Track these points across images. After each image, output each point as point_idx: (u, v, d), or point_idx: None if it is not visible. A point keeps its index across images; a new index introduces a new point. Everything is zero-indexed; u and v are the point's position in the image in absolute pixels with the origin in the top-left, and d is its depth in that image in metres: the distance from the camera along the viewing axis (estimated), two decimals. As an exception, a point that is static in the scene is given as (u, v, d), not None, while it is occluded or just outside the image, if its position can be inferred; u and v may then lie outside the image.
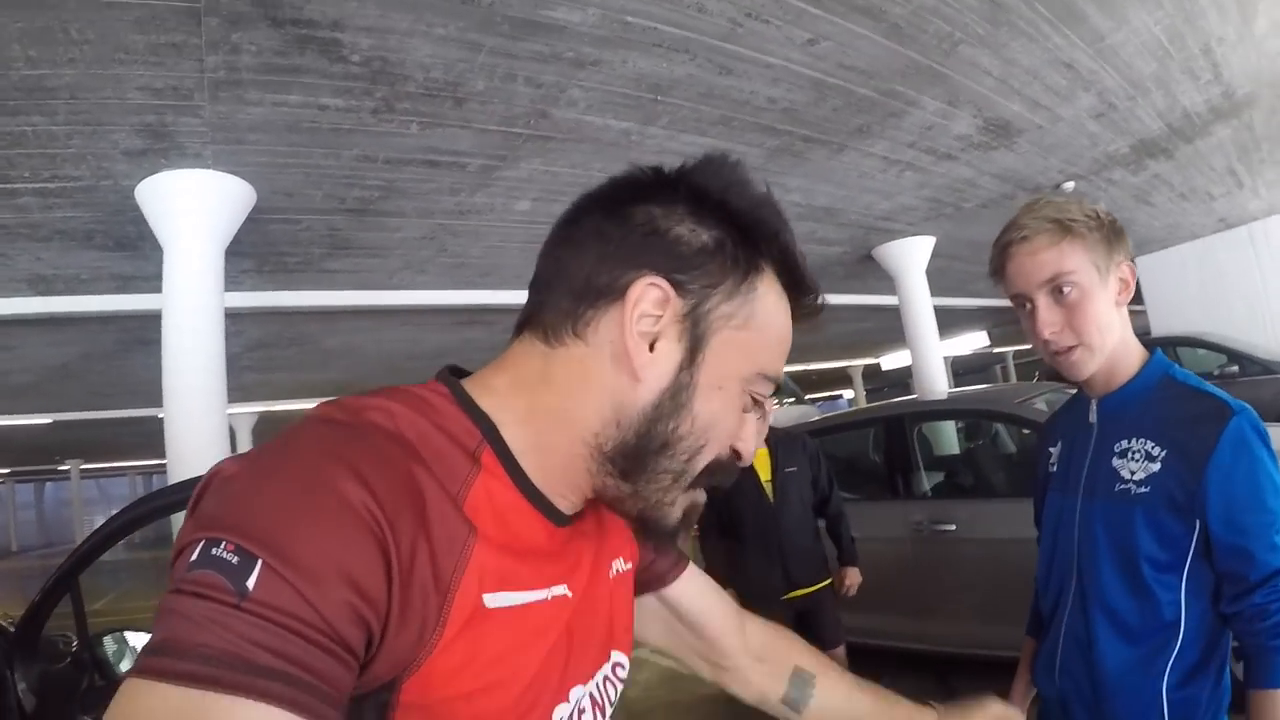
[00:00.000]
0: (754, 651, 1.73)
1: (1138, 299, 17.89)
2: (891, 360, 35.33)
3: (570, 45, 4.83)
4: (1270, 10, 6.56)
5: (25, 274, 7.78)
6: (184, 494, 2.99)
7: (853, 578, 5.42)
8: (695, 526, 3.93)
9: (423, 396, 0.98)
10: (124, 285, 8.21)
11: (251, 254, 7.31)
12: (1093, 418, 2.09)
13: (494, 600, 0.90)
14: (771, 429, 5.23)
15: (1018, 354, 47.70)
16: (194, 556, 0.75)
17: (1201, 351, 14.52)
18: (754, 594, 5.21)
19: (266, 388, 16.26)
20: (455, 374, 1.08)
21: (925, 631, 6.60)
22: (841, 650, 5.35)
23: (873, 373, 40.34)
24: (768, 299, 1.04)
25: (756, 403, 1.07)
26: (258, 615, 0.71)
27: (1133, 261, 2.02)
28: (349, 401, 0.94)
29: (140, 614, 13.96)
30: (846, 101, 6.55)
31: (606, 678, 1.16)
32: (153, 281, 6.64)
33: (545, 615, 0.98)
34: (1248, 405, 1.89)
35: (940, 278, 14.53)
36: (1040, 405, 6.72)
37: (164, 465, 5.81)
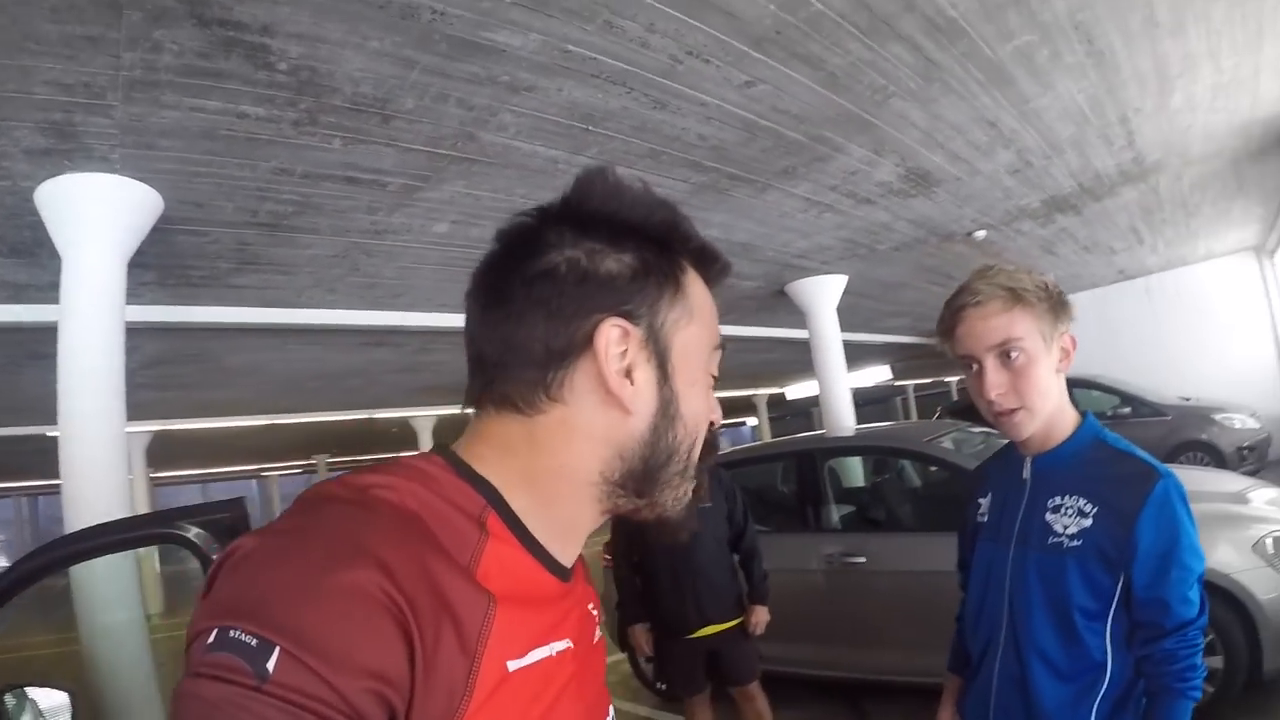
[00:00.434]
0: None
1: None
2: (796, 390, 35.82)
3: (507, 69, 4.75)
4: (1186, 87, 6.84)
5: (-93, 279, 7.41)
6: (90, 541, 2.89)
7: (761, 616, 5.31)
8: (607, 556, 3.96)
9: (422, 469, 0.99)
10: (16, 294, 7.80)
11: (155, 265, 7.05)
12: (1026, 474, 2.25)
13: (516, 664, 0.91)
14: None
15: (918, 388, 48.70)
16: (211, 640, 0.75)
17: (1096, 393, 15.06)
18: (666, 629, 5.18)
19: (163, 406, 15.78)
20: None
21: (838, 659, 6.70)
22: (755, 685, 5.29)
23: (777, 401, 40.75)
24: (695, 286, 1.11)
25: (715, 376, 1.14)
26: (279, 698, 0.72)
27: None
28: (352, 480, 0.94)
29: (31, 650, 13.55)
30: (776, 143, 6.59)
31: None
32: (48, 292, 6.41)
33: (557, 669, 0.99)
34: (1172, 470, 2.07)
35: (849, 314, 14.77)
36: (947, 444, 6.92)
37: (56, 485, 5.57)
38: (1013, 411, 2.12)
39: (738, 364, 24.33)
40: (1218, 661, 5.26)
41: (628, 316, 1.00)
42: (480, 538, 0.94)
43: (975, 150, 7.62)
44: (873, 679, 6.58)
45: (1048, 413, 2.15)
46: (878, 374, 32.26)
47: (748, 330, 16.05)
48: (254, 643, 0.73)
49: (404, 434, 27.39)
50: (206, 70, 4.29)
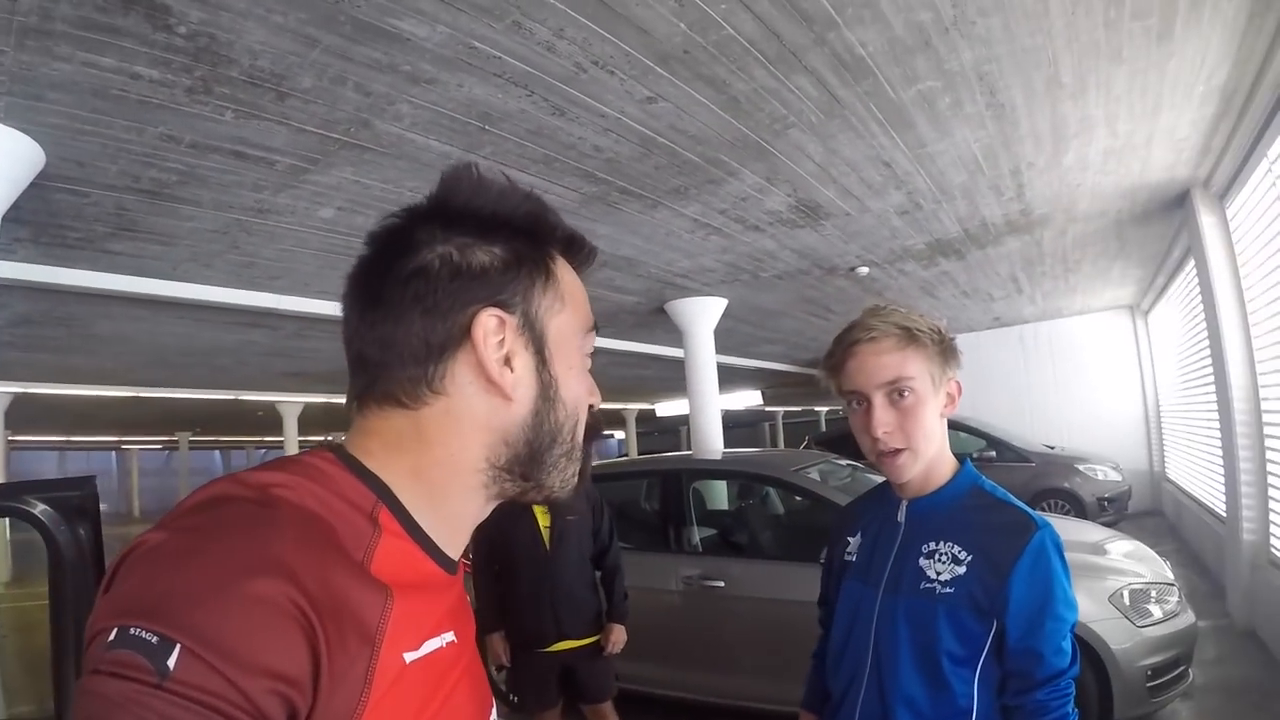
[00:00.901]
0: None
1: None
2: (667, 408, 36.06)
3: (410, 59, 4.68)
4: (1080, 148, 7.03)
5: None
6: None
7: (618, 636, 5.31)
8: (466, 561, 3.89)
9: (316, 466, 0.99)
10: None
11: (30, 222, 6.78)
12: (901, 517, 2.24)
13: (412, 655, 0.93)
14: None
15: (788, 415, 49.32)
16: (111, 638, 0.75)
17: (964, 435, 15.25)
18: (522, 641, 5.14)
19: (26, 368, 15.27)
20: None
21: (691, 681, 6.75)
22: (609, 704, 5.30)
23: (646, 417, 41.02)
24: (565, 273, 1.15)
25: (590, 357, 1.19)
26: (180, 695, 0.72)
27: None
28: (248, 478, 0.94)
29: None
30: (671, 162, 6.61)
31: None
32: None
33: (448, 661, 1.02)
34: (1049, 522, 2.09)
35: (726, 337, 14.95)
36: (814, 475, 7.00)
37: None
38: (897, 452, 2.12)
39: (611, 378, 24.39)
40: (1069, 709, 5.40)
41: (503, 306, 1.04)
42: (373, 533, 0.96)
43: (867, 188, 7.73)
44: (726, 703, 6.60)
45: (929, 456, 2.16)
46: (749, 398, 32.67)
47: (624, 344, 16.14)
48: (155, 640, 0.73)
49: (270, 418, 27.05)
50: (104, 25, 4.11)
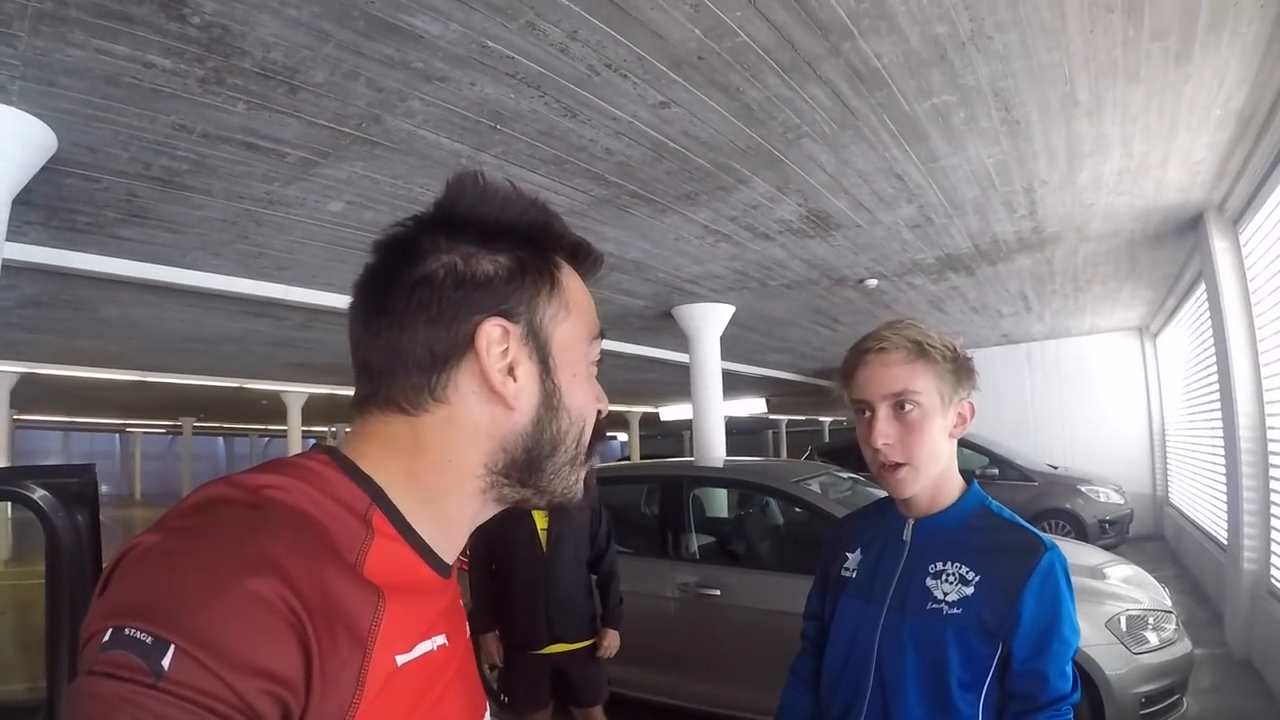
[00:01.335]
0: None
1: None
2: (670, 412, 36.08)
3: (423, 56, 4.68)
4: (1095, 167, 6.99)
5: None
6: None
7: (612, 641, 5.33)
8: (464, 558, 3.86)
9: (310, 468, 1.00)
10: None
11: (41, 206, 6.81)
12: (906, 536, 2.21)
13: (404, 658, 0.94)
14: None
15: (791, 424, 49.29)
16: (106, 639, 0.76)
17: (967, 451, 15.16)
18: (516, 642, 5.15)
19: (32, 348, 15.31)
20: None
21: (683, 689, 6.76)
22: (599, 710, 5.30)
23: (650, 420, 41.03)
24: (571, 281, 1.15)
25: (597, 364, 1.20)
26: (174, 695, 0.72)
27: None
28: (243, 480, 0.94)
29: None
30: (682, 167, 6.59)
31: None
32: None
33: (439, 663, 1.02)
34: (1056, 544, 2.08)
35: (733, 344, 14.94)
36: (814, 486, 6.98)
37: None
38: (897, 467, 2.11)
39: (616, 380, 24.41)
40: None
41: (507, 315, 1.05)
42: (367, 535, 0.97)
43: (879, 200, 7.72)
44: (717, 712, 6.59)
45: (934, 475, 2.15)
46: (753, 405, 32.64)
47: (630, 347, 16.19)
48: (149, 640, 0.74)
49: (274, 406, 27.10)
50: (118, 14, 4.12)
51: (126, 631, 0.75)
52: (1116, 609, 5.66)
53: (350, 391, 1.14)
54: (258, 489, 0.92)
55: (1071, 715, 2.00)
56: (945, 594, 2.07)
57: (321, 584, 0.85)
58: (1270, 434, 7.84)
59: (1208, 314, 9.27)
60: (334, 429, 45.26)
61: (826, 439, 42.75)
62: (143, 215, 7.28)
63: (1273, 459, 7.76)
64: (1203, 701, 6.79)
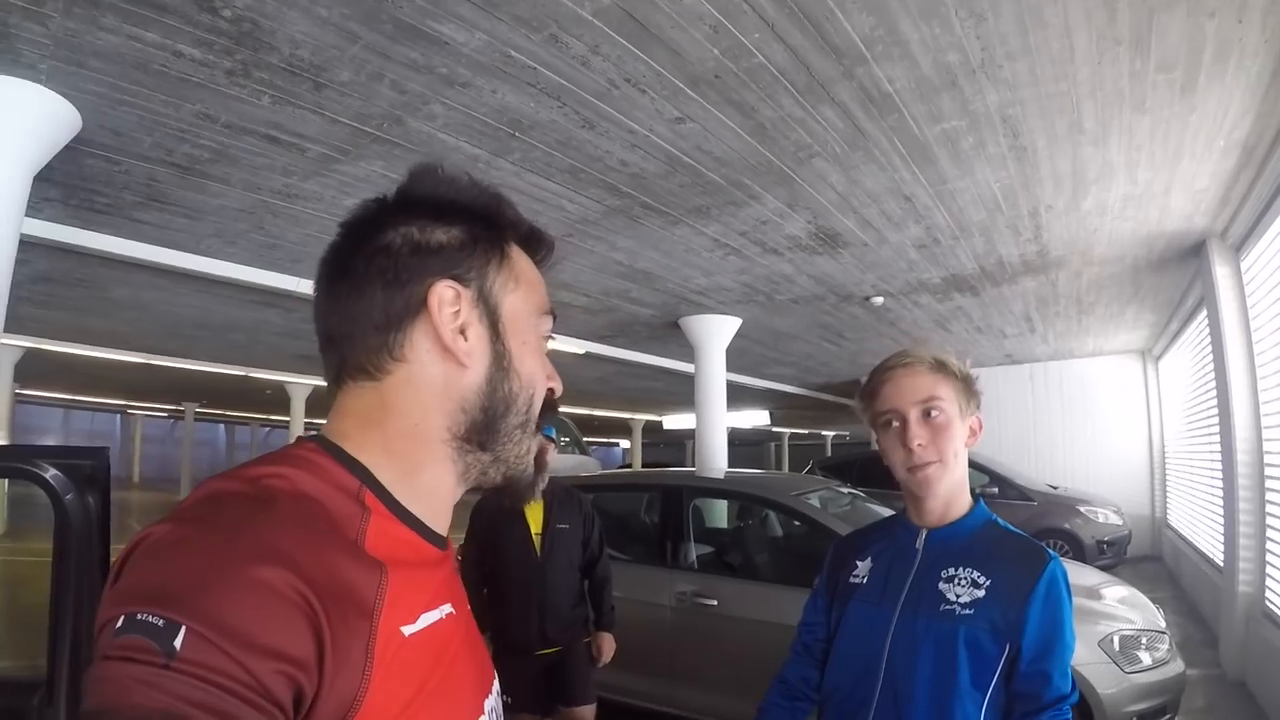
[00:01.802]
0: None
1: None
2: (674, 421, 35.87)
3: (446, 62, 4.76)
4: (1100, 193, 7.06)
5: None
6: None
7: (608, 645, 5.37)
8: (458, 559, 3.86)
9: (302, 456, 1.04)
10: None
11: (61, 184, 6.87)
12: (919, 544, 2.33)
13: (410, 629, 0.98)
14: (551, 481, 5.15)
15: (794, 437, 48.97)
16: (119, 624, 0.78)
17: (968, 469, 14.93)
18: (507, 645, 5.13)
19: (41, 324, 15.25)
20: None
21: (677, 697, 6.74)
22: (591, 709, 5.32)
23: (653, 428, 40.77)
24: (521, 260, 1.23)
25: (547, 339, 1.26)
26: (186, 674, 0.75)
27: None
28: (244, 472, 0.99)
29: None
30: (694, 181, 6.68)
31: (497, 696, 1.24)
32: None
33: (446, 632, 1.07)
34: (1057, 555, 2.24)
35: (738, 356, 14.94)
36: (814, 501, 6.95)
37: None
38: (928, 465, 2.24)
39: (620, 387, 24.36)
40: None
41: (458, 279, 1.12)
42: (363, 514, 1.01)
43: (887, 220, 7.81)
44: (708, 721, 6.60)
45: (953, 481, 2.30)
46: (757, 417, 32.48)
47: (635, 355, 16.20)
48: (161, 623, 0.76)
49: (278, 396, 26.94)
50: (151, 2, 4.19)
51: (139, 616, 0.77)
52: (1110, 629, 5.71)
53: None
54: (258, 479, 0.96)
55: (1071, 714, 2.11)
56: (958, 596, 2.18)
57: (327, 565, 0.89)
58: (1267, 458, 7.89)
59: (1209, 339, 9.31)
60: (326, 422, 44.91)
61: (828, 453, 42.64)
62: (161, 200, 7.35)
63: (1269, 483, 7.81)
64: (1195, 722, 6.82)
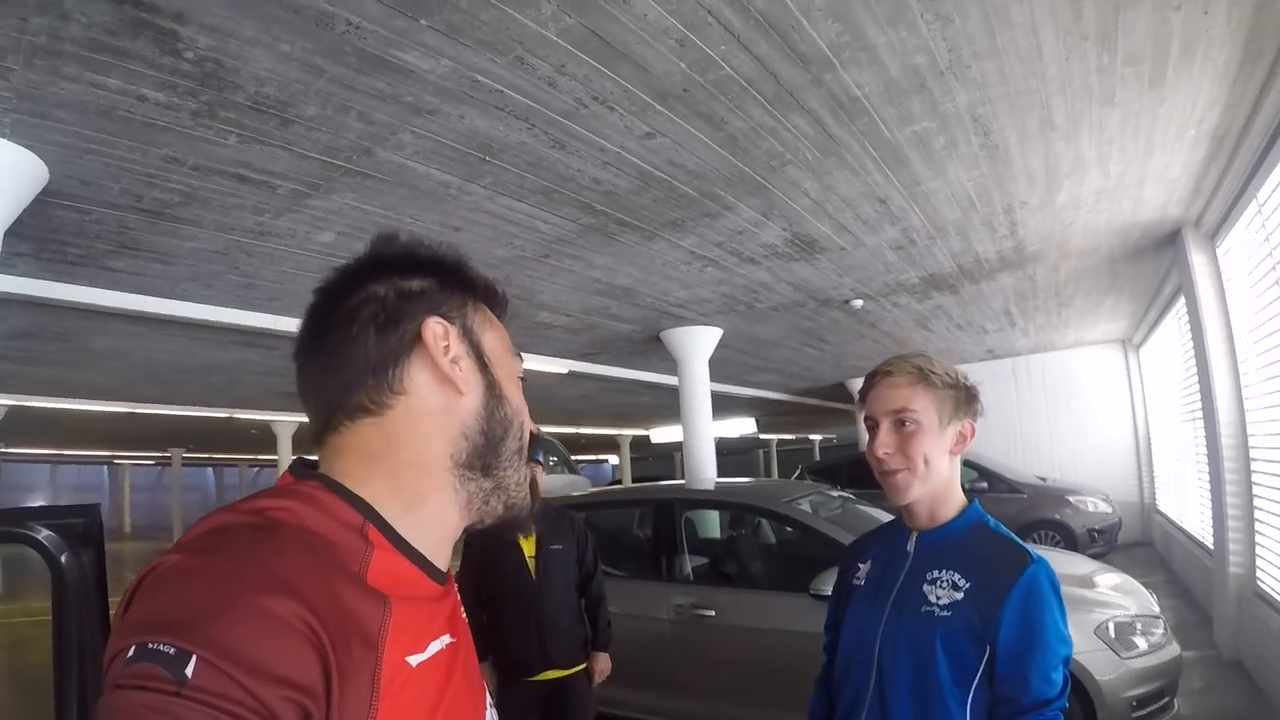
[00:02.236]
0: None
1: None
2: (661, 434, 35.99)
3: (413, 90, 4.74)
4: (1073, 187, 7.10)
5: None
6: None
7: (604, 664, 5.38)
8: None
9: (304, 492, 1.06)
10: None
11: (31, 238, 6.82)
12: (910, 547, 2.42)
13: (417, 658, 1.00)
14: (542, 503, 5.16)
15: (782, 443, 49.11)
16: (130, 654, 0.79)
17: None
18: (508, 669, 5.13)
19: (22, 381, 15.21)
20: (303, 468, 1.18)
21: (679, 710, 6.76)
22: None
23: (641, 442, 40.88)
24: (486, 310, 1.29)
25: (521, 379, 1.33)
26: (198, 701, 0.76)
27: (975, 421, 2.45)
28: (248, 505, 1.01)
29: None
30: (668, 195, 6.67)
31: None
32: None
33: (449, 662, 1.09)
34: (1046, 559, 2.24)
35: (721, 366, 15.00)
36: (805, 506, 6.99)
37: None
38: (896, 472, 2.33)
39: (605, 404, 24.42)
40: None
41: (445, 317, 1.18)
42: (366, 548, 1.02)
43: (862, 224, 7.81)
44: (711, 732, 6.58)
45: (931, 485, 2.35)
46: (743, 425, 32.58)
47: (619, 371, 16.22)
48: (172, 652, 0.78)
49: (264, 436, 26.92)
50: (112, 48, 4.15)
51: (150, 645, 0.79)
52: (1105, 616, 5.75)
53: None
54: (263, 511, 0.99)
55: (1061, 718, 2.12)
56: (938, 598, 2.25)
57: (332, 595, 0.90)
58: (1251, 440, 7.95)
59: (1188, 326, 9.35)
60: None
61: (817, 457, 42.72)
62: (134, 247, 7.30)
63: (1255, 465, 7.86)
64: (1194, 703, 6.87)
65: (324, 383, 1.15)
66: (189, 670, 0.77)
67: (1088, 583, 6.36)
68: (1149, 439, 17.17)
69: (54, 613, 2.67)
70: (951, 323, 13.83)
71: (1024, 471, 16.36)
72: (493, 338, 1.26)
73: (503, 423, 1.21)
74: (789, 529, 7.64)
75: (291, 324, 10.19)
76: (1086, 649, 5.52)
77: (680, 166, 6.09)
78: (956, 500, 2.42)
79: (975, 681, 2.16)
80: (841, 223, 7.72)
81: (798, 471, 19.03)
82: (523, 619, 5.13)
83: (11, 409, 18.04)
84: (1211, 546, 9.28)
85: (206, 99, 4.75)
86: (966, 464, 14.68)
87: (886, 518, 4.55)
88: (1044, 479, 16.10)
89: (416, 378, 1.14)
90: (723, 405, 21.37)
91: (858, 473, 15.64)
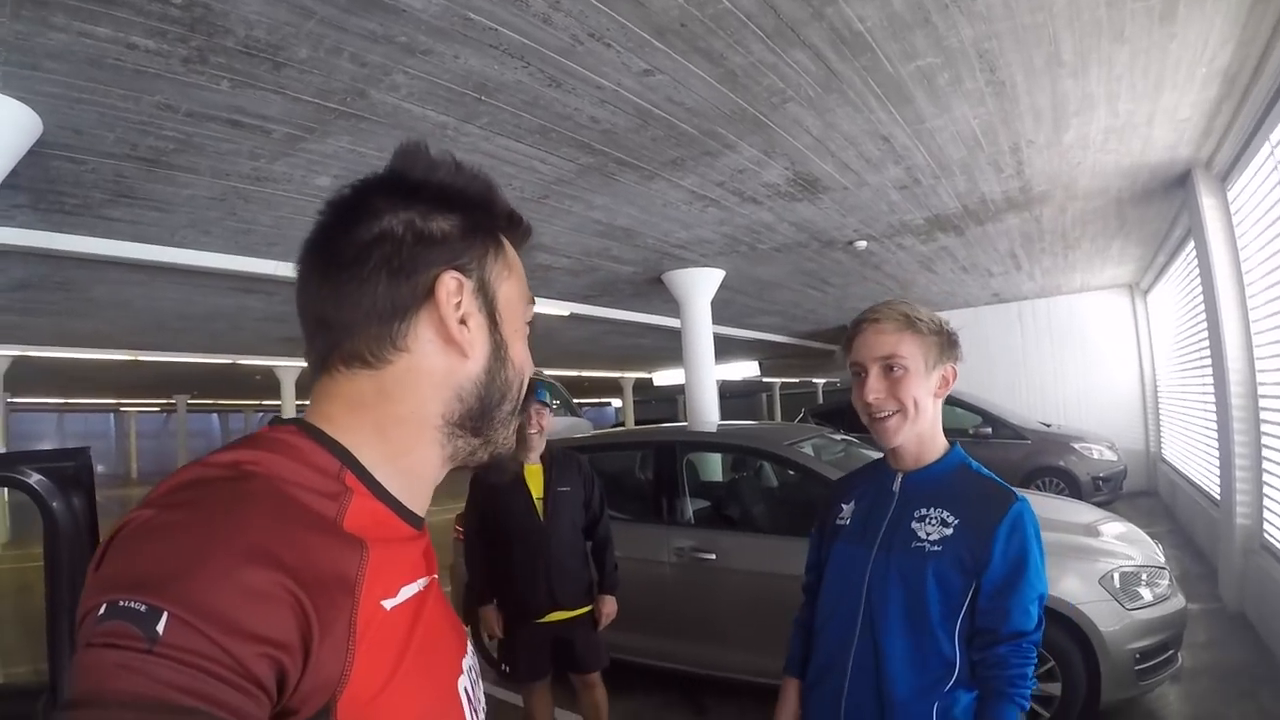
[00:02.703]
0: None
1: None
2: (664, 377, 36.14)
3: (405, 30, 4.67)
4: (1081, 126, 6.99)
5: None
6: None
7: (610, 607, 5.36)
8: (459, 528, 4.05)
9: (279, 439, 1.04)
10: None
11: (28, 189, 6.83)
12: (895, 487, 2.54)
13: (390, 602, 1.00)
14: (548, 445, 5.28)
15: (785, 386, 49.32)
16: (101, 612, 0.78)
17: (960, 410, 15.22)
18: (516, 612, 5.16)
19: (24, 331, 15.39)
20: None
21: (679, 652, 6.78)
22: (597, 675, 5.34)
23: (643, 385, 41.14)
24: (509, 247, 1.24)
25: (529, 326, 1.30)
26: (169, 658, 0.75)
27: (957, 365, 2.55)
28: (219, 458, 0.98)
29: None
30: (667, 133, 6.60)
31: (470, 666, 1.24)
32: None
33: (423, 603, 1.08)
34: (1026, 497, 2.41)
35: (723, 308, 15.00)
36: (807, 449, 6.98)
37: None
38: (888, 416, 2.44)
39: (608, 346, 24.51)
40: (1056, 689, 5.42)
41: (461, 270, 1.13)
42: (344, 494, 1.01)
43: (865, 163, 7.73)
44: (713, 675, 6.63)
45: (920, 428, 2.47)
46: (746, 369, 32.70)
47: (620, 314, 16.25)
48: (143, 609, 0.76)
49: (267, 382, 27.09)
50: (100, -6, 4.13)
51: (121, 603, 0.77)
52: (1110, 566, 5.67)
53: None
54: (236, 464, 0.96)
55: (1034, 654, 2.30)
56: (928, 534, 2.38)
57: (306, 545, 0.89)
58: (1260, 389, 7.86)
59: (1197, 270, 9.27)
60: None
61: (820, 400, 42.78)
62: (130, 195, 7.30)
63: (1264, 414, 7.78)
64: (1198, 656, 6.83)
65: (324, 313, 1.11)
66: (160, 627, 0.75)
67: (1092, 531, 6.29)
68: (1155, 386, 17.09)
69: (46, 556, 2.67)
70: (956, 265, 13.75)
71: (1028, 417, 16.28)
72: (509, 288, 1.21)
73: (502, 387, 1.18)
74: (791, 472, 7.63)
75: (291, 269, 10.20)
76: (1090, 599, 5.47)
77: (679, 104, 6.03)
78: (940, 442, 2.54)
79: (962, 614, 2.32)
80: (844, 161, 7.64)
81: (801, 415, 19.02)
82: (530, 561, 5.13)
83: (16, 359, 18.17)
84: (1218, 497, 9.23)
85: (196, 44, 4.70)
86: (970, 409, 14.78)
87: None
88: (1048, 425, 15.97)
89: (421, 335, 1.11)
90: (726, 348, 21.39)
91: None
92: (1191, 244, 9.73)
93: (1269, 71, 5.94)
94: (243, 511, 0.87)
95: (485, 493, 5.30)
